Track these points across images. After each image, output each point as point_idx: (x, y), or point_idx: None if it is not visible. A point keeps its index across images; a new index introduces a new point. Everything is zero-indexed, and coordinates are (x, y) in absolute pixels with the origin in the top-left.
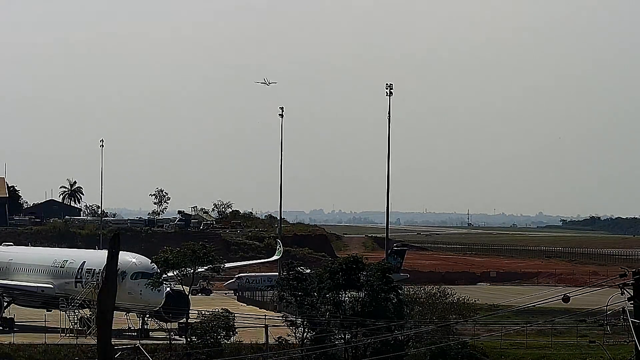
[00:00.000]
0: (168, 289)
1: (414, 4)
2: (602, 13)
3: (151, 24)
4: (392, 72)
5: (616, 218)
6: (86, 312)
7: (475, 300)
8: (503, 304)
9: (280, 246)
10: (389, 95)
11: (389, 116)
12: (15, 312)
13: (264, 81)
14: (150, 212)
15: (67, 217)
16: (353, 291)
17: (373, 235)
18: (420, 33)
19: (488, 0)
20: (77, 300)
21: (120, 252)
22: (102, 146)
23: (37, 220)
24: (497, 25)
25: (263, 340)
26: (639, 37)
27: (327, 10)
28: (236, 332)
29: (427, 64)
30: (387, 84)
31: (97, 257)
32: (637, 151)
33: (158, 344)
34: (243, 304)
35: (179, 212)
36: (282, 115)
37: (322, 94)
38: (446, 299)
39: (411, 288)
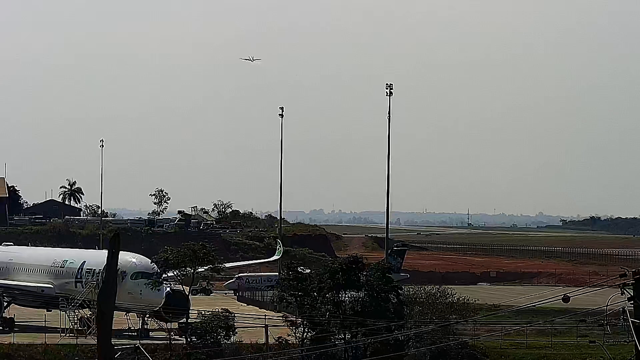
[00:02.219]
0: (168, 288)
1: (415, 3)
2: (599, 17)
3: (151, 24)
4: (392, 72)
5: (616, 218)
6: (86, 312)
7: (475, 300)
8: (503, 304)
9: (280, 246)
10: (389, 95)
11: (389, 116)
12: (15, 312)
13: (248, 58)
14: (150, 212)
15: (67, 217)
16: (353, 291)
17: (373, 235)
18: (422, 32)
19: (491, 1)
20: (77, 300)
21: (120, 252)
22: (102, 146)
23: (40, 220)
24: (497, 26)
25: (263, 340)
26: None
27: (327, 9)
28: (236, 332)
29: (428, 64)
30: (387, 84)
31: (97, 257)
32: (637, 151)
33: (158, 344)
34: (243, 304)
35: (179, 212)
36: (282, 115)
37: (322, 94)
38: (446, 299)
39: (411, 288)
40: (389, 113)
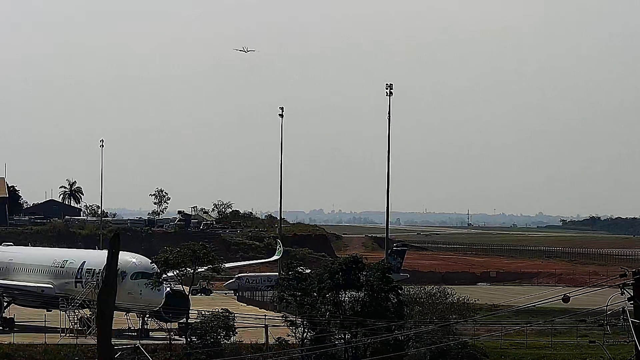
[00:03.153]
0: (168, 288)
1: (416, 4)
2: (599, 17)
3: (151, 24)
4: (393, 73)
5: (616, 218)
6: (86, 312)
7: (475, 300)
8: (503, 304)
9: (280, 246)
10: (389, 95)
11: (389, 116)
12: (15, 312)
13: (242, 49)
14: (150, 212)
15: (67, 217)
16: (353, 291)
17: (373, 235)
18: (423, 33)
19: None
20: (77, 300)
21: (120, 252)
22: (102, 146)
23: (40, 220)
24: (497, 27)
25: (263, 340)
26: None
27: (328, 8)
28: (236, 332)
29: (428, 64)
30: (387, 84)
31: (97, 257)
32: (637, 151)
33: (158, 344)
34: (243, 304)
35: (179, 212)
36: (282, 116)
37: (322, 94)
38: (446, 299)
39: (411, 288)
40: (389, 113)
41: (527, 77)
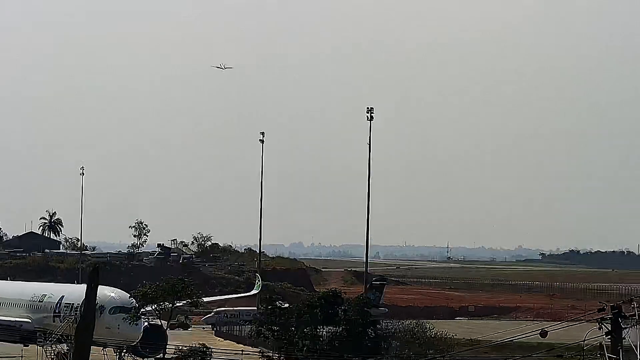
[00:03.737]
0: (146, 323)
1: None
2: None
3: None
4: (374, 104)
5: (595, 252)
6: (63, 347)
7: (453, 335)
8: (481, 338)
9: (259, 280)
10: (370, 120)
11: (370, 142)
12: None
13: (219, 65)
14: (130, 245)
15: (46, 250)
16: (331, 326)
17: (352, 269)
18: (404, 64)
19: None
20: (55, 335)
21: (100, 286)
22: (83, 174)
23: (20, 254)
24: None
25: None
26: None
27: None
28: None
29: (408, 95)
30: (367, 108)
31: (75, 292)
32: (617, 185)
33: None
34: (220, 338)
35: (159, 245)
36: (262, 141)
37: (303, 126)
38: (425, 333)
39: (389, 323)
40: (370, 138)
41: (506, 112)
